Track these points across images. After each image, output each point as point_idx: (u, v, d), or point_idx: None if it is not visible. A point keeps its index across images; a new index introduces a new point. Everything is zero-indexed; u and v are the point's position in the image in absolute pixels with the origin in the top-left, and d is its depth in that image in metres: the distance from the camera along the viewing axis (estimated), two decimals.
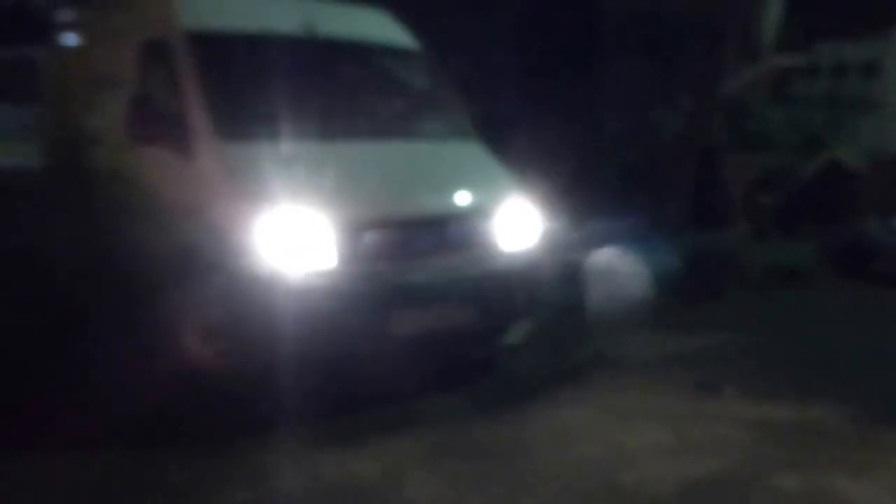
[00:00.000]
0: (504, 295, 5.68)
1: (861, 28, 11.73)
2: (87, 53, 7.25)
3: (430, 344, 5.49)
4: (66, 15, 7.70)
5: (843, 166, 10.87)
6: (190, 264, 5.32)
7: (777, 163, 11.27)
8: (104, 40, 6.91)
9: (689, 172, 9.89)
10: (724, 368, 6.16)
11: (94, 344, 5.97)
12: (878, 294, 8.36)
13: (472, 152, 6.32)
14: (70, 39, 7.61)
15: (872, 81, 11.75)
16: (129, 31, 6.45)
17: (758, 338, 6.89)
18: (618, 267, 7.69)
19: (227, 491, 4.31)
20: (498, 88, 11.31)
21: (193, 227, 5.34)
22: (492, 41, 12.59)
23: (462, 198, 5.78)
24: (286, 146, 5.45)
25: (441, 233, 5.52)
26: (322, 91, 6.10)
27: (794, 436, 5.08)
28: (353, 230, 5.13)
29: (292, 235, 5.01)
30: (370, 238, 5.19)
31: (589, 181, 9.79)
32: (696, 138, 10.96)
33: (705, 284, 8.21)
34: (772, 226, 9.84)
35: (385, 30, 6.81)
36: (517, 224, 5.83)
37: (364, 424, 5.10)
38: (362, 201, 5.34)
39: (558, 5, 12.79)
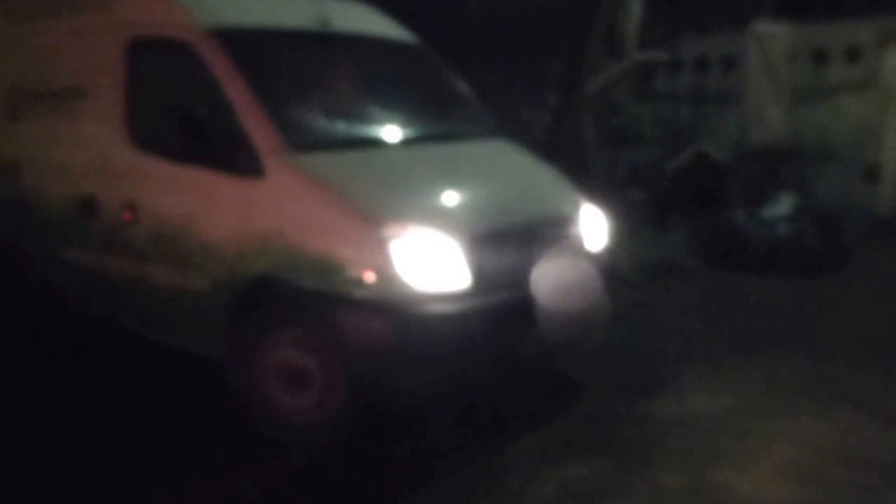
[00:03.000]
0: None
1: (720, 23, 11.91)
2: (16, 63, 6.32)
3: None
4: None
5: (709, 159, 10.97)
6: (295, 300, 4.61)
7: (645, 158, 11.30)
8: (48, 46, 6.04)
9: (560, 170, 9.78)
10: (598, 363, 5.93)
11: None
12: (747, 283, 8.34)
13: (521, 152, 5.91)
14: None
15: (733, 75, 11.93)
16: (97, 32, 5.67)
17: (631, 332, 6.69)
18: None
19: None
20: None
21: (278, 256, 4.63)
22: None
23: (554, 201, 5.43)
24: (362, 154, 4.98)
25: (548, 239, 5.08)
26: (364, 91, 5.67)
27: (673, 429, 4.88)
28: (478, 245, 4.59)
29: (426, 256, 4.44)
30: (492, 251, 4.65)
31: None
32: (564, 136, 10.90)
33: None
34: (642, 220, 9.79)
35: (384, 24, 6.34)
36: (594, 225, 5.49)
37: (506, 450, 4.68)
38: (474, 213, 4.84)
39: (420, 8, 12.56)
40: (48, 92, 5.93)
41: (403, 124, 5.48)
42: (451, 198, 4.91)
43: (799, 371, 5.81)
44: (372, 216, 4.47)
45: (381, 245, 4.35)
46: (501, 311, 4.59)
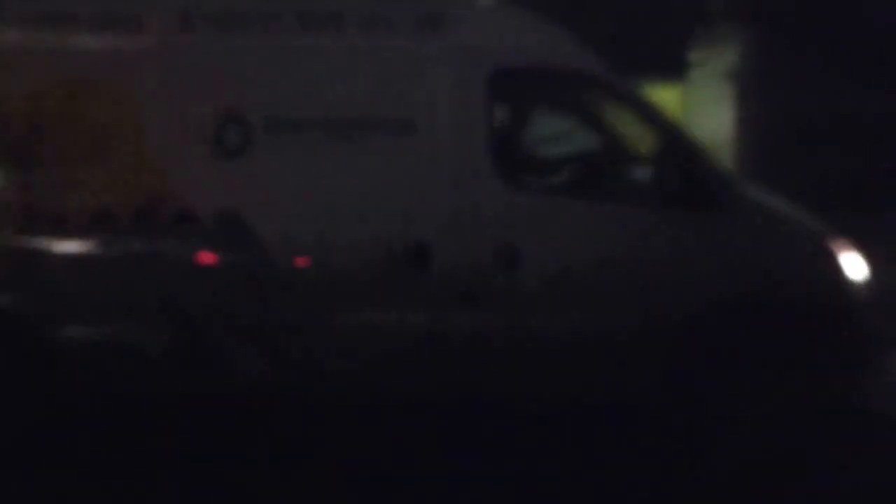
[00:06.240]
0: None
1: None
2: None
3: None
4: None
5: None
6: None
7: None
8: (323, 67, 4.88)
9: None
10: None
11: None
12: None
13: None
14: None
15: None
16: (430, 57, 4.90)
17: None
18: None
19: None
20: None
21: (749, 280, 4.90)
22: None
23: None
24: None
25: None
26: None
27: None
28: None
29: (859, 268, 5.12)
30: None
31: None
32: None
33: None
34: None
35: None
36: None
37: None
38: None
39: None
40: (327, 123, 4.84)
41: None
42: None
43: None
44: (817, 235, 5.17)
45: (835, 260, 5.04)
46: None
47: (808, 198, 5.69)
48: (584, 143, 5.14)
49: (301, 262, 4.79)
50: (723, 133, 11.85)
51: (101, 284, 4.75)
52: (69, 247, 4.76)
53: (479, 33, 4.96)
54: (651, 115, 5.03)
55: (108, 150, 4.77)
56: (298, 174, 4.83)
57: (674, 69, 11.91)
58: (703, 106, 11.92)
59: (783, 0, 11.06)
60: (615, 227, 4.91)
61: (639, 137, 5.05)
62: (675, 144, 4.98)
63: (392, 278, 4.81)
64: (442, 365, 4.86)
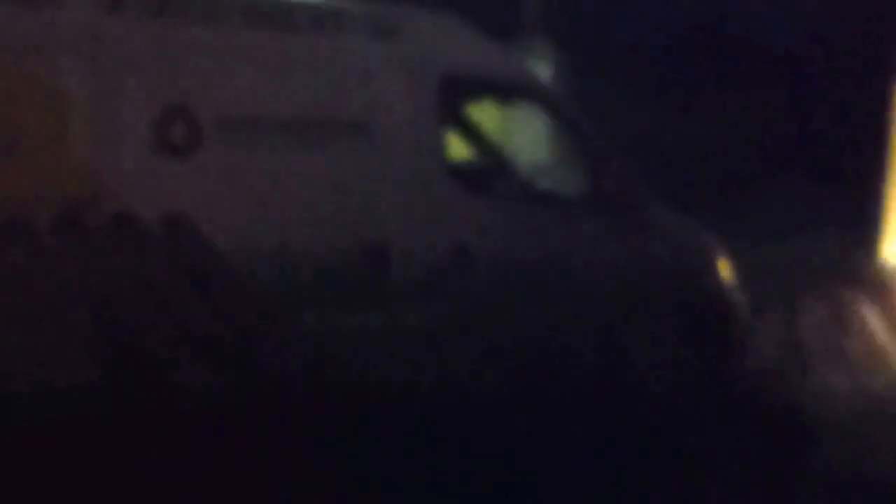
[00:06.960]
0: None
1: None
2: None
3: None
4: None
5: None
6: None
7: None
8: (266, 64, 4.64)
9: None
10: None
11: None
12: None
13: None
14: None
15: None
16: (379, 61, 4.95)
17: None
18: None
19: None
20: None
21: None
22: None
23: None
24: None
25: None
26: None
27: None
28: None
29: None
30: None
31: None
32: None
33: None
34: None
35: None
36: None
37: None
38: None
39: None
40: (281, 122, 4.65)
41: None
42: None
43: None
44: (707, 239, 6.04)
45: (718, 262, 6.02)
46: None
47: None
48: (523, 147, 5.45)
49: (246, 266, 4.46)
50: (540, 151, 12.20)
51: (18, 301, 4.11)
52: None
53: (429, 44, 5.16)
54: (575, 124, 5.62)
55: (19, 146, 4.13)
56: (251, 175, 4.54)
57: None
58: (522, 123, 12.28)
59: (588, 21, 11.70)
60: (550, 229, 5.32)
61: (565, 142, 5.78)
62: (596, 151, 5.59)
63: (350, 280, 4.71)
64: (402, 364, 4.78)
